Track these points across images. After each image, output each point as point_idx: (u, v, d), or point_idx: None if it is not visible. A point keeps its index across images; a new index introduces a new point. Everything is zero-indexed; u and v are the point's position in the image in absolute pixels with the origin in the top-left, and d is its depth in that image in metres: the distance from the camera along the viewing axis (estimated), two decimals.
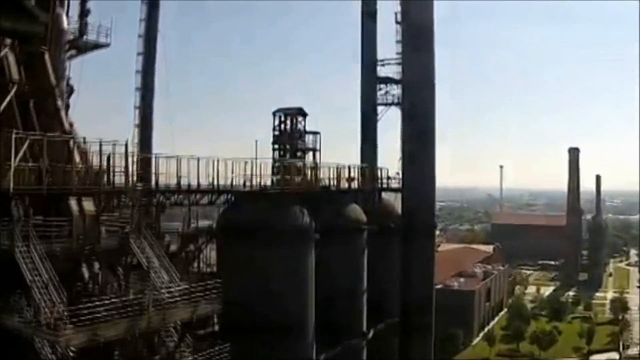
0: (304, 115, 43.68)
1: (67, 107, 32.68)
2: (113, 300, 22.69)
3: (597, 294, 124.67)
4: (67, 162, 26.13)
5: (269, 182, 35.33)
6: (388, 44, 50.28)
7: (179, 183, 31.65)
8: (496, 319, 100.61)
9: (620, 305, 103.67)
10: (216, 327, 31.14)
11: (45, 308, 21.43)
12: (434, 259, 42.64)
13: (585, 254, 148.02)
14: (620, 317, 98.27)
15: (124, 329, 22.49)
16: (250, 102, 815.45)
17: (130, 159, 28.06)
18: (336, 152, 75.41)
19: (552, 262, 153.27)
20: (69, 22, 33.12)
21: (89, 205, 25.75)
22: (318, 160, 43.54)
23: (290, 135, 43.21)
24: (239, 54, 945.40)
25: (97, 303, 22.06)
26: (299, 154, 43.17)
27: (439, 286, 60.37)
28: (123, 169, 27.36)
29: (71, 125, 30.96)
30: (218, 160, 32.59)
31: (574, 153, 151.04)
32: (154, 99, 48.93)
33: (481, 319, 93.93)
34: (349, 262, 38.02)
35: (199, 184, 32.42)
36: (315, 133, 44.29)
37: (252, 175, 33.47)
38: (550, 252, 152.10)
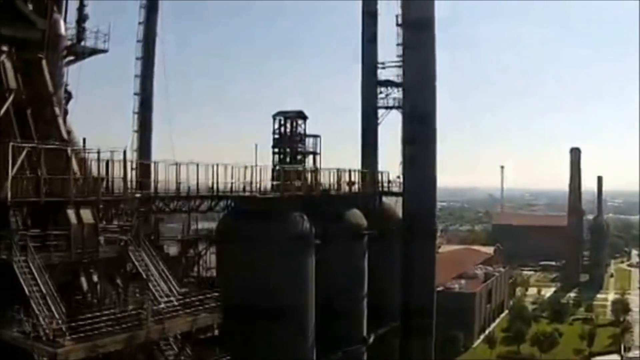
0: (304, 118, 43.56)
1: (66, 113, 32.45)
2: (112, 311, 22.49)
3: (599, 295, 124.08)
4: (65, 170, 25.84)
5: (269, 187, 35.19)
6: (389, 46, 50.09)
7: (178, 189, 31.52)
8: (497, 320, 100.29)
9: (621, 307, 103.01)
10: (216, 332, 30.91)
11: (44, 320, 21.24)
12: (435, 262, 42.58)
13: (587, 255, 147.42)
14: (621, 319, 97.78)
15: (123, 341, 22.32)
16: (250, 102, 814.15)
17: (129, 167, 27.86)
18: (336, 153, 75.36)
19: (553, 263, 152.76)
20: (66, 27, 32.85)
21: (87, 214, 25.49)
22: (318, 164, 43.47)
23: (290, 138, 43.12)
24: (238, 55, 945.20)
25: (96, 314, 21.92)
26: (299, 157, 43.06)
27: (439, 288, 60.09)
28: (121, 177, 27.12)
29: (69, 132, 30.70)
30: (217, 166, 32.48)
31: (575, 153, 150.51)
32: (153, 103, 48.85)
33: (482, 321, 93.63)
34: (350, 267, 37.96)
35: (198, 190, 32.25)
36: (315, 136, 44.21)
37: (251, 180, 33.35)
38: (551, 252, 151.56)
